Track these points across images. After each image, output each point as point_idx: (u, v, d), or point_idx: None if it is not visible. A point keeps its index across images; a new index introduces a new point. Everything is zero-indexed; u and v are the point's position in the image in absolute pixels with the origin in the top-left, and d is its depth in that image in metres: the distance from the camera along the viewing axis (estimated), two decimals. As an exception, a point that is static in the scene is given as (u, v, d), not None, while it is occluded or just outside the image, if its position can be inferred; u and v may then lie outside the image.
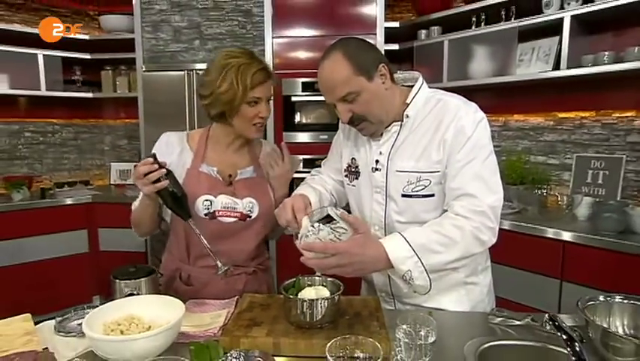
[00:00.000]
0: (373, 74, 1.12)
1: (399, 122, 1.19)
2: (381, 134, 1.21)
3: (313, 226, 1.06)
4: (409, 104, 1.18)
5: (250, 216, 1.32)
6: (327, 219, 1.11)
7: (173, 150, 1.34)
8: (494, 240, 1.10)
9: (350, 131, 1.30)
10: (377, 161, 1.21)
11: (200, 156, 1.33)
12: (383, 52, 2.63)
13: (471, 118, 1.11)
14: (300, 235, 1.07)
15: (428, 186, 1.14)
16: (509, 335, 1.04)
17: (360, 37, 1.22)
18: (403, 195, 1.17)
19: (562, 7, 2.29)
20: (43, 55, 3.11)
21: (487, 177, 1.10)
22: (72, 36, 3.25)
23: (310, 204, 1.22)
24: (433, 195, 1.15)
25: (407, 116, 1.17)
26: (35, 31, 2.94)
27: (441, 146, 1.12)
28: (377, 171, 1.21)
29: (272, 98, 1.31)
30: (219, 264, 1.21)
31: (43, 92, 3.14)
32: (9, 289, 2.77)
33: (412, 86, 1.21)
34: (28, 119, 3.42)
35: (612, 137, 2.40)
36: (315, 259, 1.01)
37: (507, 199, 2.43)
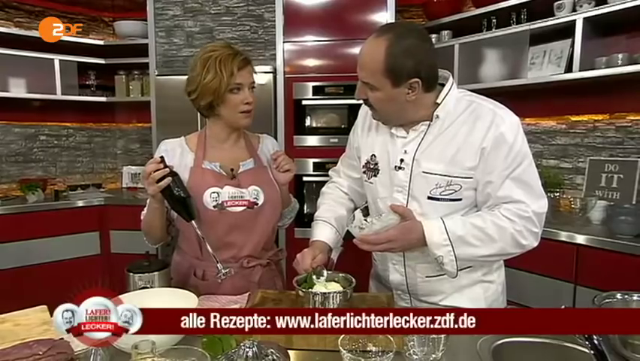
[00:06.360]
0: (401, 83, 1.07)
1: (427, 122, 1.15)
2: (408, 132, 1.17)
3: (367, 220, 1.13)
4: (439, 104, 1.13)
5: (257, 204, 1.34)
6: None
7: (174, 153, 1.38)
8: (536, 244, 1.12)
9: (370, 126, 1.26)
10: (402, 160, 1.17)
11: (201, 155, 1.36)
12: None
13: (508, 124, 1.09)
14: (354, 225, 1.14)
15: (458, 191, 1.13)
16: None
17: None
18: (430, 198, 1.14)
19: (574, 10, 2.28)
20: (59, 60, 3.16)
21: (532, 182, 1.11)
22: (87, 41, 3.32)
23: (331, 249, 1.27)
24: (460, 200, 1.14)
25: (437, 117, 1.13)
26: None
27: (478, 153, 1.09)
28: (400, 170, 1.17)
29: (254, 86, 1.34)
30: (220, 267, 1.23)
31: (58, 96, 3.19)
32: (22, 290, 2.79)
33: (441, 85, 1.15)
34: (43, 122, 3.47)
35: (627, 140, 2.37)
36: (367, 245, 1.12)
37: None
